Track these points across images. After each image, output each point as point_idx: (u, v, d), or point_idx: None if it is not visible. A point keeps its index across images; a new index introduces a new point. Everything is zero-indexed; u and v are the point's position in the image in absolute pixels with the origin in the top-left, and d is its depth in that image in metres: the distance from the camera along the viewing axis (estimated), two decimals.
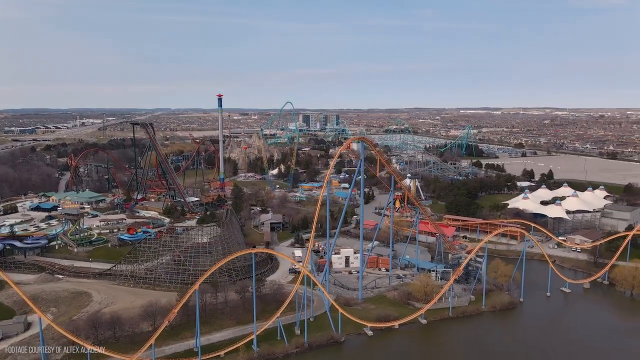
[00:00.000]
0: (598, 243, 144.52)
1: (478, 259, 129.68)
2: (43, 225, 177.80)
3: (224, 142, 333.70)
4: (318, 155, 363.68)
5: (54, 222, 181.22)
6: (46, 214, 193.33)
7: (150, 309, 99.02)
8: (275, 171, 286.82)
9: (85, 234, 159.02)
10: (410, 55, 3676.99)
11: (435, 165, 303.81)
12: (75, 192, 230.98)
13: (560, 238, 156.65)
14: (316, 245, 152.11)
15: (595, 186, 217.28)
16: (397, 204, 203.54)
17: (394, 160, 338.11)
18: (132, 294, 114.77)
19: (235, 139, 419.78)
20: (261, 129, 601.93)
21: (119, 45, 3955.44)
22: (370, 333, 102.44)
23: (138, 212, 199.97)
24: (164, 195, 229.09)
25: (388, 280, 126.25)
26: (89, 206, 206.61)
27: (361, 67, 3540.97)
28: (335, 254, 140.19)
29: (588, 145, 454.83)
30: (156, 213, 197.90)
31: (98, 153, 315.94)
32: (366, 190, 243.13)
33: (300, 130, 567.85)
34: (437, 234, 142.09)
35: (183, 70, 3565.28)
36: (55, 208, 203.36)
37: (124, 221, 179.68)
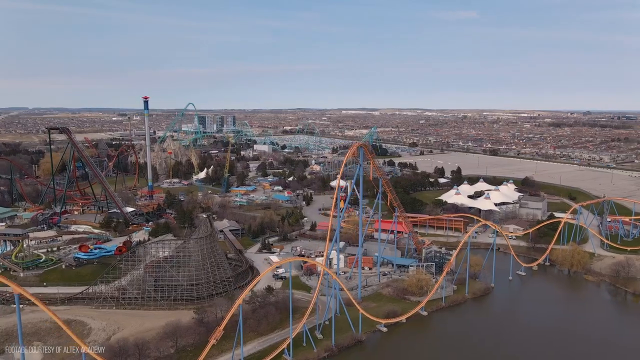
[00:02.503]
0: (531, 230, 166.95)
1: (449, 252, 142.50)
2: None
3: (134, 146, 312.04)
4: (233, 158, 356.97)
5: None
6: None
7: (169, 330, 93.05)
8: (202, 176, 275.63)
9: (24, 253, 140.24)
10: (292, 57, 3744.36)
11: (354, 165, 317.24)
12: None
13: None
14: (298, 250, 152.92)
15: (501, 181, 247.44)
16: (342, 204, 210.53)
17: (313, 162, 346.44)
18: (133, 316, 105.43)
19: (127, 141, 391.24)
20: (154, 132, 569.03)
21: None
22: (384, 329, 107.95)
23: (68, 227, 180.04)
24: (88, 207, 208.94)
25: (378, 278, 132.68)
26: (2, 224, 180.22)
27: (241, 67, 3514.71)
28: (318, 256, 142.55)
29: (470, 144, 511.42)
30: (90, 227, 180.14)
31: None
32: (301, 192, 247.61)
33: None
34: (409, 231, 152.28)
35: (40, 65, 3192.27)
36: None
37: (58, 239, 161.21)
